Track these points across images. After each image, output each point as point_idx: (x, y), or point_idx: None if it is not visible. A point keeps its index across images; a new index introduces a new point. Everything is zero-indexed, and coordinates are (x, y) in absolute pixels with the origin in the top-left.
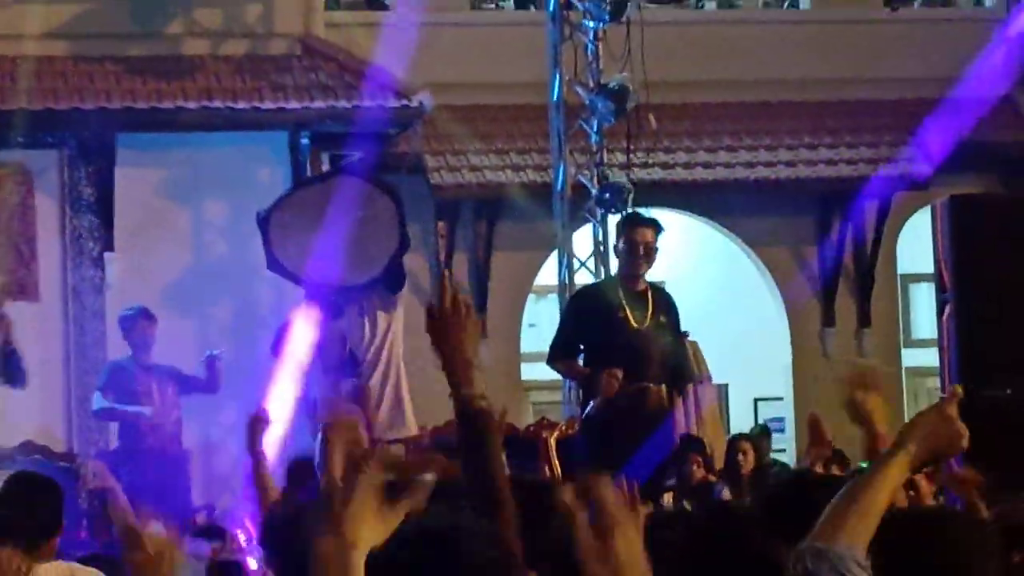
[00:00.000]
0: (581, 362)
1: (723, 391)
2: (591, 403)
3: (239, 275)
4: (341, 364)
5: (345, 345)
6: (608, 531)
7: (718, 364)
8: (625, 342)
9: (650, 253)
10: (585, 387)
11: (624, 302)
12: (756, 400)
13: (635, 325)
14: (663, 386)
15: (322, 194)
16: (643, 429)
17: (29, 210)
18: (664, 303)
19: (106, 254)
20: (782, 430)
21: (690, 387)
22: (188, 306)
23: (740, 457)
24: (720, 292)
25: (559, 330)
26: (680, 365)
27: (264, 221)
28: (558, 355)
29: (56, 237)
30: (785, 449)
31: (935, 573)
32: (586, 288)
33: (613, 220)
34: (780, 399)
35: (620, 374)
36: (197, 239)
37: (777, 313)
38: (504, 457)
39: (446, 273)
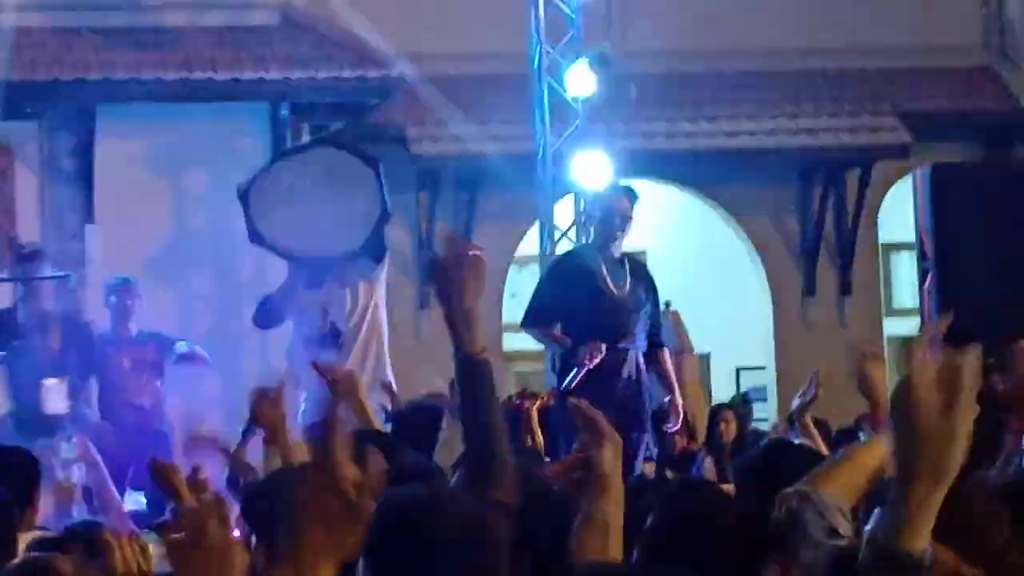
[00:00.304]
0: (558, 328)
1: (705, 360)
2: (572, 373)
3: (220, 247)
4: (322, 336)
5: (326, 316)
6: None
7: (700, 333)
8: (605, 309)
9: (626, 222)
10: (566, 356)
11: (603, 270)
12: (738, 369)
13: (615, 292)
14: (642, 354)
15: (303, 165)
16: (622, 398)
17: (8, 182)
18: (641, 272)
19: (86, 226)
20: (764, 399)
21: (671, 356)
22: (169, 278)
23: (722, 427)
24: (702, 262)
25: (536, 294)
26: (659, 334)
27: (245, 194)
28: (534, 319)
29: (35, 209)
30: (767, 418)
31: (941, 535)
32: (566, 255)
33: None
34: (762, 368)
35: (604, 347)
36: (178, 211)
37: (758, 282)
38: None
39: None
